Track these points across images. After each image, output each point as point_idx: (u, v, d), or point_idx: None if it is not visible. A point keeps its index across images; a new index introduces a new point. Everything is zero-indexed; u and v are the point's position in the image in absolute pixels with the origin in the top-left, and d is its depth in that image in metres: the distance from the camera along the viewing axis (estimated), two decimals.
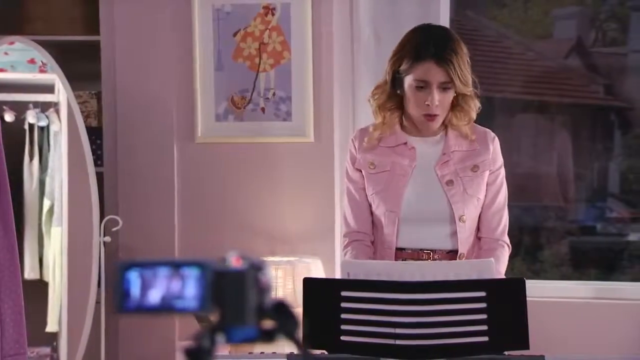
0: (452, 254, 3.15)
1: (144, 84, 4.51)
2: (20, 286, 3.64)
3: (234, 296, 1.21)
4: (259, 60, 4.44)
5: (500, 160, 3.24)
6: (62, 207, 4.49)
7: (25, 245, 4.42)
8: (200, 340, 1.23)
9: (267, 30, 4.43)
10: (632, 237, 5.20)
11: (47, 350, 4.57)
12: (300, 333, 1.22)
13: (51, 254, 4.53)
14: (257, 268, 1.23)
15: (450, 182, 3.15)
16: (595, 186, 5.35)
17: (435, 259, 3.13)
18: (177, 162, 4.53)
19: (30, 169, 4.54)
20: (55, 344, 4.57)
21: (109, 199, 4.59)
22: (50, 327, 4.52)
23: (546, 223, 5.32)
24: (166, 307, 1.24)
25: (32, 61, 4.52)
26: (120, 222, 4.40)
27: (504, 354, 2.67)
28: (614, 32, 5.31)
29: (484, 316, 2.63)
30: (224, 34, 4.46)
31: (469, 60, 3.14)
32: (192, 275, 1.24)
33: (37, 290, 4.40)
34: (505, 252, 3.22)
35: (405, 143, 3.19)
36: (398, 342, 2.62)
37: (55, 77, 4.48)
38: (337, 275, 4.30)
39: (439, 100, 3.08)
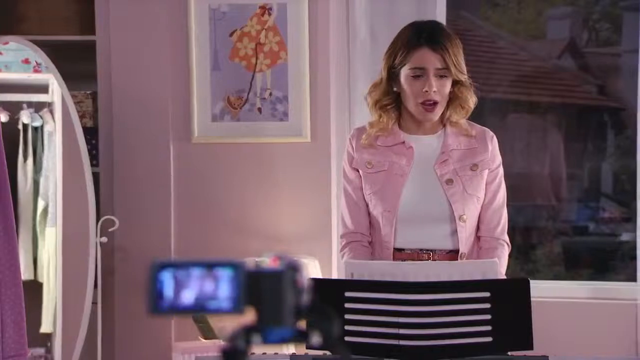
0: (452, 254, 3.14)
1: (140, 83, 4.50)
2: (20, 287, 3.63)
3: (271, 296, 1.21)
4: (255, 60, 4.43)
5: (498, 159, 3.24)
6: (56, 208, 4.48)
7: (19, 245, 4.40)
8: (236, 341, 1.22)
9: (264, 30, 4.42)
10: (625, 236, 5.23)
11: (41, 351, 4.55)
12: (336, 333, 1.22)
13: (45, 255, 4.52)
14: (294, 268, 1.23)
15: (449, 181, 3.14)
16: (588, 186, 5.38)
17: (435, 260, 3.12)
18: (173, 162, 4.52)
19: (25, 169, 4.53)
20: (49, 344, 4.56)
21: (104, 199, 4.57)
22: (45, 327, 4.50)
23: (539, 223, 5.34)
24: (200, 308, 1.23)
25: (26, 61, 4.50)
26: (117, 223, 4.38)
27: (508, 354, 2.68)
28: (607, 32, 5.34)
29: (488, 316, 2.64)
30: (220, 34, 4.45)
31: (462, 52, 3.15)
32: (225, 275, 1.24)
33: (32, 290, 4.38)
34: (506, 251, 3.22)
35: (403, 142, 3.17)
36: (402, 342, 2.62)
37: (49, 77, 4.47)
38: (335, 275, 4.31)
39: (437, 88, 3.08)
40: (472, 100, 3.19)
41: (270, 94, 4.43)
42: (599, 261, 5.26)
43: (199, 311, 1.23)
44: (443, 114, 3.19)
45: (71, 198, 4.45)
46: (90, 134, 4.59)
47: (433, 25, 3.24)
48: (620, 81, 5.29)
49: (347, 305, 2.66)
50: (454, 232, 3.13)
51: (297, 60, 4.40)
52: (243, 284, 1.23)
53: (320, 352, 2.74)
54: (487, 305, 2.64)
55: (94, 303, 4.39)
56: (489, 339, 2.63)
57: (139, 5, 4.49)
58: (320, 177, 4.41)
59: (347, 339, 2.65)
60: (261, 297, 1.22)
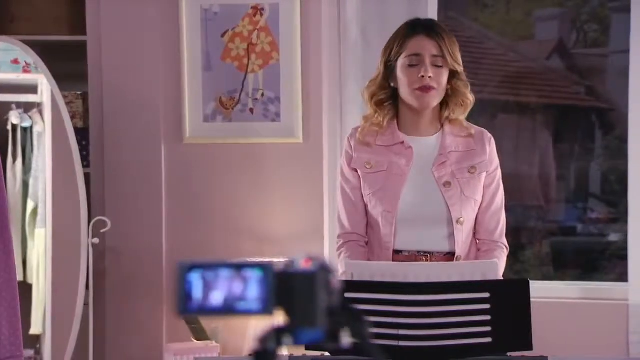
0: (449, 256, 3.13)
1: (131, 84, 4.48)
2: (16, 288, 3.60)
3: (304, 298, 1.20)
4: (247, 60, 4.42)
5: (496, 161, 3.24)
6: (46, 209, 4.45)
7: None
8: (266, 342, 1.22)
9: (256, 31, 4.41)
10: (613, 237, 5.25)
11: (30, 352, 4.53)
12: (369, 334, 1.22)
13: (35, 256, 4.49)
14: (327, 269, 1.22)
15: (447, 184, 3.13)
16: (577, 187, 5.40)
17: (432, 262, 3.12)
18: (165, 163, 4.50)
19: (14, 170, 4.50)
20: (38, 346, 4.53)
21: (95, 200, 4.55)
22: (34, 329, 4.48)
23: (527, 223, 5.35)
24: (228, 309, 1.22)
25: (15, 61, 4.48)
26: (109, 224, 4.36)
27: (507, 355, 2.68)
28: (595, 33, 5.36)
29: (488, 317, 2.64)
30: (212, 34, 4.43)
31: (458, 48, 3.17)
32: (254, 276, 1.23)
33: (21, 292, 4.34)
34: (504, 254, 3.22)
35: (402, 142, 3.17)
36: (401, 343, 2.62)
37: (38, 77, 4.45)
38: None
39: (433, 75, 3.08)
40: (469, 98, 3.19)
41: (263, 95, 4.42)
42: (587, 261, 5.28)
43: (228, 312, 1.22)
44: (441, 113, 3.19)
45: (61, 199, 4.43)
46: (81, 134, 4.56)
47: (430, 20, 3.34)
48: (608, 82, 5.32)
49: None
50: (451, 235, 3.12)
51: (289, 60, 4.39)
52: (272, 285, 1.22)
53: (317, 353, 2.73)
54: (487, 306, 2.65)
55: (86, 304, 4.37)
56: (489, 339, 2.64)
57: (130, 5, 4.47)
58: (313, 178, 4.40)
59: None
60: (293, 298, 1.21)
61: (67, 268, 4.39)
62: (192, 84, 4.45)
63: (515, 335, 2.66)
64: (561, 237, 5.37)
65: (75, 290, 4.32)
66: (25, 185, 4.51)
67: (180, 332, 4.36)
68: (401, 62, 3.12)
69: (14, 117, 4.49)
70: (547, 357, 2.67)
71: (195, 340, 4.29)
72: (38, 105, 4.52)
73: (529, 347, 2.65)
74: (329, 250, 4.35)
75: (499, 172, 3.24)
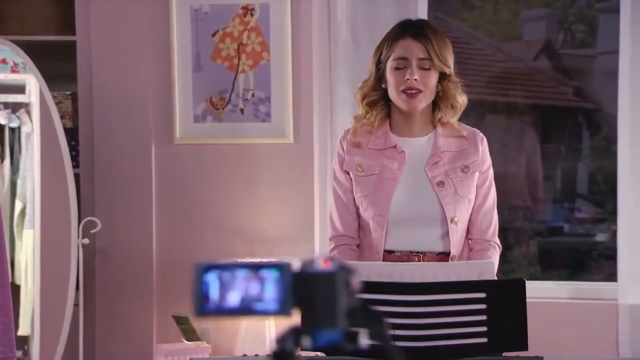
0: (443, 256, 3.12)
1: (121, 84, 4.47)
2: (8, 289, 3.59)
3: (324, 298, 1.20)
4: (237, 61, 4.42)
5: (488, 161, 3.24)
6: (34, 209, 4.43)
7: None
8: (285, 343, 1.21)
9: (246, 31, 4.41)
10: (600, 237, 5.26)
11: (18, 353, 4.50)
12: (388, 335, 1.21)
13: (23, 257, 4.47)
14: (346, 270, 1.22)
15: (441, 184, 3.13)
16: (564, 187, 5.41)
17: (426, 262, 3.11)
18: (155, 163, 4.49)
19: (2, 171, 4.48)
20: (26, 347, 4.51)
21: (84, 200, 4.54)
22: (22, 330, 4.46)
23: (515, 223, 5.36)
24: (246, 310, 1.22)
25: (3, 61, 4.46)
26: (99, 224, 4.35)
27: (503, 355, 2.68)
28: (582, 34, 5.37)
29: (484, 317, 2.64)
30: (202, 34, 4.43)
31: (450, 50, 3.16)
32: (271, 277, 1.22)
33: None
34: (497, 253, 3.22)
35: (395, 146, 3.17)
36: (397, 344, 2.62)
37: (26, 77, 4.43)
38: None
39: (420, 77, 3.08)
40: (461, 99, 3.19)
41: (253, 95, 4.42)
42: (574, 261, 5.29)
43: (245, 313, 1.22)
44: (434, 115, 3.19)
45: (50, 199, 4.41)
46: (70, 134, 4.55)
47: (420, 21, 3.33)
48: (595, 82, 5.33)
49: None
50: (445, 235, 3.12)
51: (280, 61, 4.39)
52: (290, 285, 1.22)
53: (312, 354, 2.73)
54: (483, 306, 2.65)
55: (76, 305, 4.35)
56: (484, 339, 2.64)
57: (120, 5, 4.46)
58: (303, 178, 4.40)
59: None
60: (312, 299, 1.20)
61: (56, 269, 4.38)
62: (182, 84, 4.44)
63: (511, 335, 2.66)
64: (548, 237, 5.37)
65: (65, 291, 4.31)
66: (14, 185, 4.49)
67: (170, 333, 4.35)
68: (389, 64, 3.12)
69: (1, 117, 4.47)
70: (542, 358, 2.68)
71: (185, 341, 4.28)
72: (26, 105, 4.50)
73: (525, 347, 2.65)
74: (320, 251, 4.34)
75: (491, 172, 3.25)
